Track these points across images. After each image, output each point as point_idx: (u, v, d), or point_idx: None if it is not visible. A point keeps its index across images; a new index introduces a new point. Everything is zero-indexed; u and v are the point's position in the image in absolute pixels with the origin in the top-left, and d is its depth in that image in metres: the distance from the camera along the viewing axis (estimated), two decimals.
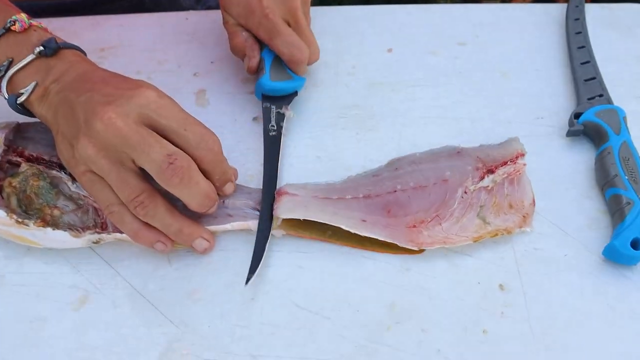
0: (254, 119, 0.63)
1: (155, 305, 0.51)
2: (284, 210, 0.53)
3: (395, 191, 0.55)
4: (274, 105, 0.61)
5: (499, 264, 0.53)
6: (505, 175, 0.56)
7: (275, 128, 0.60)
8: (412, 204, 0.54)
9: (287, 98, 0.62)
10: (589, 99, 0.63)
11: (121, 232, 0.53)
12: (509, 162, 0.56)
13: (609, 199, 0.56)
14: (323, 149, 0.61)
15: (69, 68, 0.52)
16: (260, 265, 0.51)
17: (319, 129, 0.63)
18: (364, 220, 0.53)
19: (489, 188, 0.55)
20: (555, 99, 0.65)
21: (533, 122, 0.63)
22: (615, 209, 0.54)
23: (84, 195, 0.54)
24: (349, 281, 0.52)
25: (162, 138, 0.47)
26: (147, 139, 0.46)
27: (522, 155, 0.57)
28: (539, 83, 0.67)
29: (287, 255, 0.53)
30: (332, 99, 0.65)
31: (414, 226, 0.53)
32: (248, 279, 0.50)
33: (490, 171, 0.56)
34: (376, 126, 0.63)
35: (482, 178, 0.56)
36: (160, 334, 0.49)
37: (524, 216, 0.54)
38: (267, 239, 0.53)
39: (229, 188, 0.53)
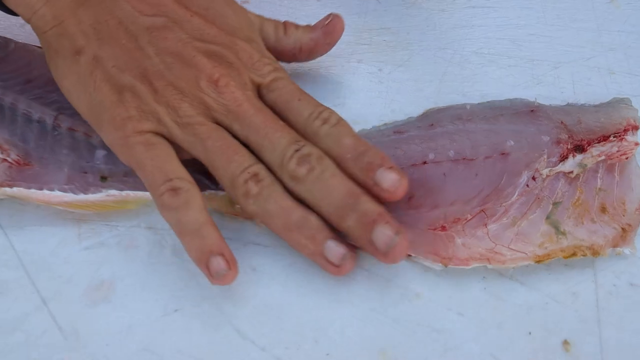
0: None
1: (45, 299, 0.35)
2: None
3: (426, 163, 0.36)
4: None
5: (569, 304, 0.33)
6: (603, 157, 0.35)
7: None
8: (447, 188, 0.35)
9: None
10: None
11: (12, 187, 0.36)
12: (611, 137, 0.36)
13: None
14: (326, 87, 0.42)
15: None
16: None
17: (327, 60, 0.43)
18: None
19: (572, 176, 0.35)
20: None
21: None
22: None
23: None
24: (322, 303, 0.34)
25: (285, 123, 0.35)
26: (271, 121, 0.34)
27: (636, 128, 0.36)
28: None
29: (237, 247, 0.36)
30: (351, 17, 0.45)
31: (443, 227, 0.34)
32: None
33: (580, 148, 0.36)
34: (411, 60, 0.43)
35: (564, 158, 0.35)
36: (42, 345, 0.33)
37: (623, 228, 0.34)
38: None
39: (385, 176, 0.33)
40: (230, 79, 0.34)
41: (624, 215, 0.35)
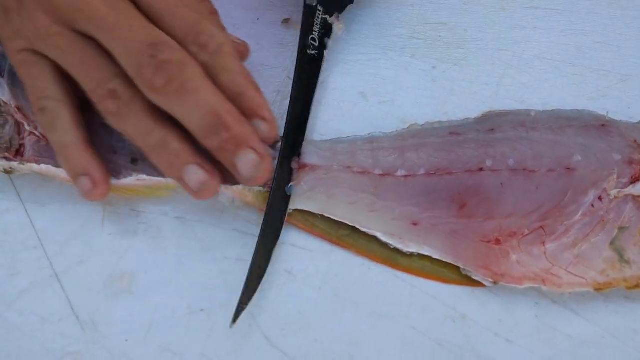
0: (285, 21, 0.42)
1: (64, 285, 0.32)
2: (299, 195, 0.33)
3: (482, 170, 0.33)
4: (322, 8, 0.39)
5: (628, 341, 0.31)
6: None
7: (317, 44, 0.38)
8: (504, 199, 0.32)
9: (340, 2, 0.40)
10: None
11: (40, 163, 0.34)
12: None
13: None
14: (374, 81, 0.39)
15: None
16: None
17: (376, 52, 0.40)
18: (415, 224, 0.32)
19: None
20: None
21: None
22: None
23: (4, 102, 0.35)
24: (360, 316, 0.31)
25: (146, 21, 0.30)
26: (126, 17, 0.30)
27: None
28: None
29: None
30: (405, 9, 0.42)
31: (498, 241, 0.32)
32: (236, 317, 0.31)
33: None
34: (467, 60, 0.40)
35: (636, 180, 0.33)
36: (58, 333, 0.31)
37: None
38: (275, 243, 0.33)
39: (260, 124, 0.31)
40: None
41: None
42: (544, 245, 0.32)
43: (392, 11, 0.42)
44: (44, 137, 0.35)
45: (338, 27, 0.39)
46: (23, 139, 0.35)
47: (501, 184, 0.33)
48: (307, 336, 0.31)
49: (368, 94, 0.39)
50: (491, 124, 0.35)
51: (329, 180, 0.34)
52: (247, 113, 0.31)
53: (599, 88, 0.40)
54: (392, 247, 0.33)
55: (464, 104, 0.38)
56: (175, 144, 0.30)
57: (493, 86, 0.39)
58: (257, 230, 0.33)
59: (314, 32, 0.38)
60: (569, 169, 0.33)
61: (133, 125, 0.30)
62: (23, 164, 0.35)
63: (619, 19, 0.43)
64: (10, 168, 0.35)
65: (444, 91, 0.39)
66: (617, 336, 0.31)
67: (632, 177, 0.33)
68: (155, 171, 0.34)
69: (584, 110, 0.36)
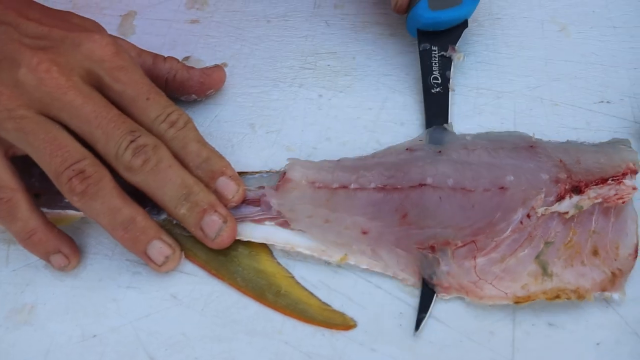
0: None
1: None
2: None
3: (424, 185, 0.36)
4: (436, 46, 0.42)
5: (485, 343, 0.33)
6: (600, 200, 0.35)
7: (440, 81, 0.41)
8: (442, 212, 0.35)
9: (452, 33, 0.43)
10: None
11: None
12: (610, 181, 0.35)
13: None
14: (263, 113, 0.42)
15: None
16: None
17: (267, 84, 0.43)
18: (364, 232, 0.35)
19: (567, 217, 0.35)
20: (637, 74, 0.43)
21: (592, 107, 0.42)
22: None
23: None
24: (238, 334, 0.34)
25: (120, 112, 0.34)
26: (103, 109, 0.33)
27: (635, 172, 0.36)
28: (612, 48, 0.44)
29: (158, 273, 0.36)
30: (298, 41, 0.45)
31: (432, 248, 0.34)
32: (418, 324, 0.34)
33: (577, 189, 0.35)
34: (352, 86, 0.43)
35: (561, 198, 0.35)
36: None
37: (613, 273, 0.34)
38: None
39: (225, 185, 0.36)
40: (52, 64, 0.33)
41: (615, 260, 0.34)
42: (474, 260, 0.34)
43: (285, 44, 0.45)
44: None
45: (456, 57, 0.42)
46: None
47: (440, 198, 0.35)
48: (189, 355, 0.33)
49: (257, 124, 0.41)
50: (439, 147, 0.38)
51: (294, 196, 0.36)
52: (215, 174, 0.35)
53: (476, 105, 0.42)
54: (263, 283, 0.35)
55: (345, 128, 0.41)
56: (142, 220, 0.34)
57: (375, 110, 0.42)
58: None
59: (434, 72, 0.42)
60: (502, 188, 0.35)
61: (101, 204, 0.33)
62: None
63: (500, 38, 0.45)
64: None
65: (328, 117, 0.41)
66: (475, 339, 0.33)
67: (558, 195, 0.35)
68: (56, 205, 0.37)
69: (514, 132, 0.39)
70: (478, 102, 0.42)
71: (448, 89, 0.41)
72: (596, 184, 0.35)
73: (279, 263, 0.36)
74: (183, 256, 0.36)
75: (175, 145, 0.35)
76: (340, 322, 0.34)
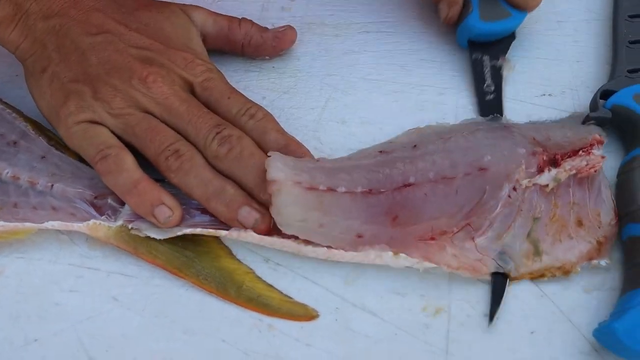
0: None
1: None
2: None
3: (407, 185, 0.36)
4: (487, 56, 0.44)
5: (419, 335, 0.33)
6: (574, 171, 0.36)
7: (493, 89, 0.43)
8: (430, 206, 0.36)
9: (502, 44, 0.44)
10: (630, 71, 0.42)
11: None
12: (580, 152, 0.37)
13: (626, 240, 0.36)
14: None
15: None
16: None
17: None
18: (359, 236, 0.36)
19: (547, 190, 0.36)
20: (579, 67, 0.44)
21: (534, 100, 0.42)
22: (633, 261, 0.34)
23: None
24: (176, 333, 0.34)
25: (209, 110, 0.40)
26: (195, 108, 0.39)
27: (601, 142, 0.38)
28: (557, 42, 0.45)
29: (101, 277, 0.36)
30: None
31: (432, 238, 0.35)
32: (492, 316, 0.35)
33: (554, 162, 0.36)
34: (296, 87, 0.44)
35: (541, 170, 0.36)
36: None
37: (599, 241, 0.36)
38: None
39: None
40: (158, 76, 0.39)
41: (599, 228, 0.36)
42: (473, 241, 0.35)
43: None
44: None
45: (507, 66, 0.44)
46: None
47: (425, 194, 0.36)
48: (128, 355, 0.34)
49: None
50: (414, 141, 0.39)
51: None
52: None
53: (419, 102, 0.43)
54: (225, 279, 0.36)
55: (288, 129, 0.41)
56: (231, 189, 0.37)
57: (318, 110, 0.43)
58: (91, 263, 0.37)
59: (486, 78, 0.43)
60: (482, 169, 0.36)
61: (194, 177, 0.37)
62: None
63: (444, 36, 0.46)
64: None
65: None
66: (410, 332, 0.34)
67: (538, 167, 0.36)
68: (13, 217, 0.38)
69: (490, 120, 0.41)
70: (420, 98, 0.43)
71: (502, 98, 0.42)
72: (569, 156, 0.37)
73: (239, 260, 0.37)
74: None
75: (256, 135, 0.38)
76: (302, 313, 0.35)
